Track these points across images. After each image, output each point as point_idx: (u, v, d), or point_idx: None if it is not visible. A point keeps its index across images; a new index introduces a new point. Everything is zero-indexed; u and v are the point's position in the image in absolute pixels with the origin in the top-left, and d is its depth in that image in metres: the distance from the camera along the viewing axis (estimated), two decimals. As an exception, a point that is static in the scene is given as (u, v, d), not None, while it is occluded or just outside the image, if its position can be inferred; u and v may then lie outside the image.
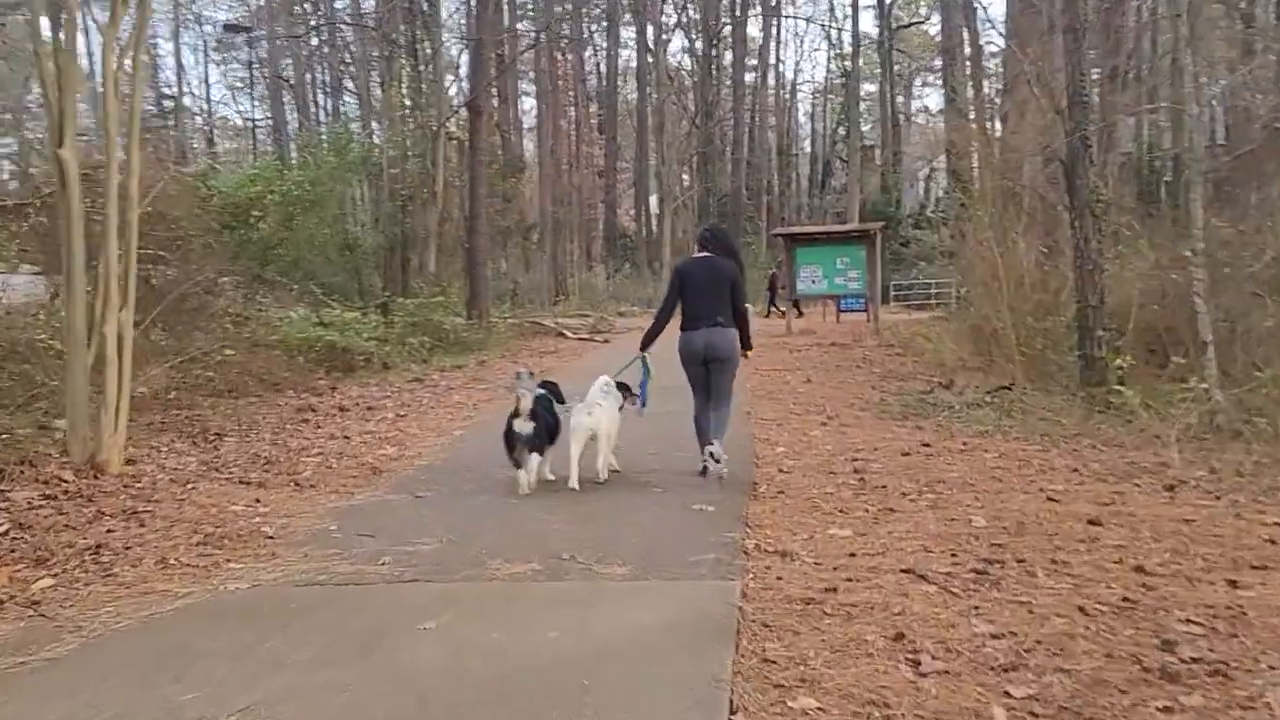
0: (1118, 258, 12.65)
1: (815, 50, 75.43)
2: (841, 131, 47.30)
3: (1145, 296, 11.17)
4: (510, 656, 3.14)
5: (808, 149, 55.21)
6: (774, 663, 3.09)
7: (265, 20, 39.82)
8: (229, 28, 34.18)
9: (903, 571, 4.06)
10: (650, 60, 42.58)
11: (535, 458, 5.87)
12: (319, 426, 8.84)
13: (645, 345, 6.57)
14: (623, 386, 6.50)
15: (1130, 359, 8.57)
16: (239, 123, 51.47)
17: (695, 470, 6.38)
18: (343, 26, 31.63)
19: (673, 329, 6.41)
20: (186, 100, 50.14)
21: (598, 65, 50.35)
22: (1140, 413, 8.09)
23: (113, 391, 5.88)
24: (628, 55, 49.91)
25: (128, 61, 6.63)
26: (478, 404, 10.76)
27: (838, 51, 48.23)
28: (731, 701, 2.81)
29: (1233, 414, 7.67)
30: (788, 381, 12.24)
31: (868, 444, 7.57)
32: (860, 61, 42.53)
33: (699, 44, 46.42)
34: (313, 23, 30.90)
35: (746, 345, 6.47)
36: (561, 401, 6.28)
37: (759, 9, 46.86)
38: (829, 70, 51.77)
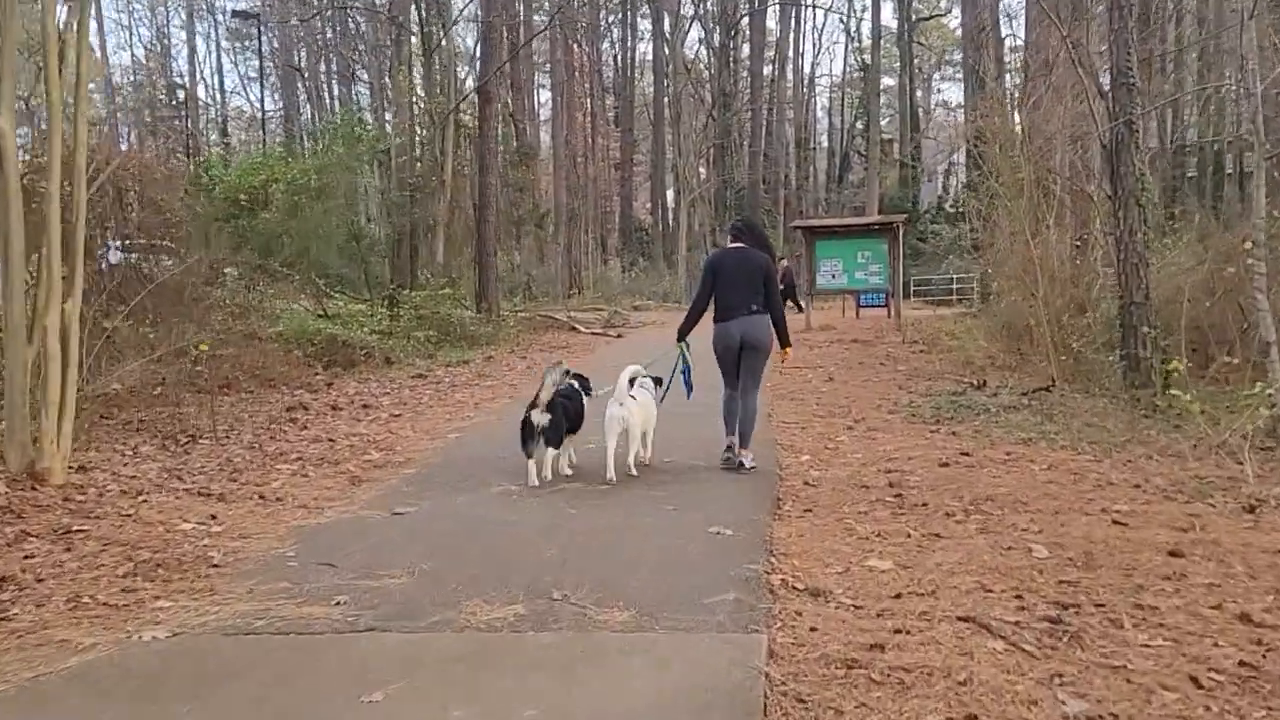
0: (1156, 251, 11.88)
1: (834, 43, 74.51)
2: (860, 125, 46.40)
3: (1190, 292, 10.43)
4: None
5: (825, 143, 54.30)
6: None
7: (276, 8, 39.27)
8: (237, 14, 33.58)
9: (961, 620, 3.36)
10: (667, 51, 41.78)
11: (551, 451, 5.87)
12: (305, 427, 8.20)
13: (682, 335, 6.68)
14: (655, 380, 6.56)
15: (1186, 361, 7.81)
16: (253, 113, 51.08)
17: (717, 467, 6.32)
18: (353, 11, 30.99)
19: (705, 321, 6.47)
20: (200, 91, 49.90)
21: (614, 58, 49.65)
22: (1196, 419, 7.35)
23: (55, 392, 5.23)
24: (644, 49, 49.26)
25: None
26: (479, 403, 10.10)
27: (856, 45, 47.30)
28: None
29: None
30: (809, 380, 11.52)
31: (901, 452, 6.87)
32: (880, 54, 41.60)
33: (716, 35, 45.61)
34: (321, 4, 30.24)
35: (784, 342, 6.47)
36: (589, 394, 6.34)
37: (776, 1, 45.95)
38: (847, 64, 50.88)
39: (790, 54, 48.31)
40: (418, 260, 21.14)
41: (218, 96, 53.35)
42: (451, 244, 23.16)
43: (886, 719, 2.60)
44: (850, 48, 48.98)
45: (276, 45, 43.72)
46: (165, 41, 51.69)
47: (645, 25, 48.76)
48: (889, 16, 46.29)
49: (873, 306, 22.93)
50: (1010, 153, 13.61)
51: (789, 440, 7.49)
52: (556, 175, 42.07)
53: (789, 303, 26.15)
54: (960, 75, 39.27)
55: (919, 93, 50.06)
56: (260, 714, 2.69)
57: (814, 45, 70.65)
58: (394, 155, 23.03)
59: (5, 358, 5.23)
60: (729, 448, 6.34)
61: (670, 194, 46.48)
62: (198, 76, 51.50)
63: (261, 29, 37.73)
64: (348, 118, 24.39)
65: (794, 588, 3.77)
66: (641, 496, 5.49)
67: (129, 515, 4.80)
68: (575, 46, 43.02)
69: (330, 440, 7.52)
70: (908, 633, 3.23)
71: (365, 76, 37.21)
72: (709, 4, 45.08)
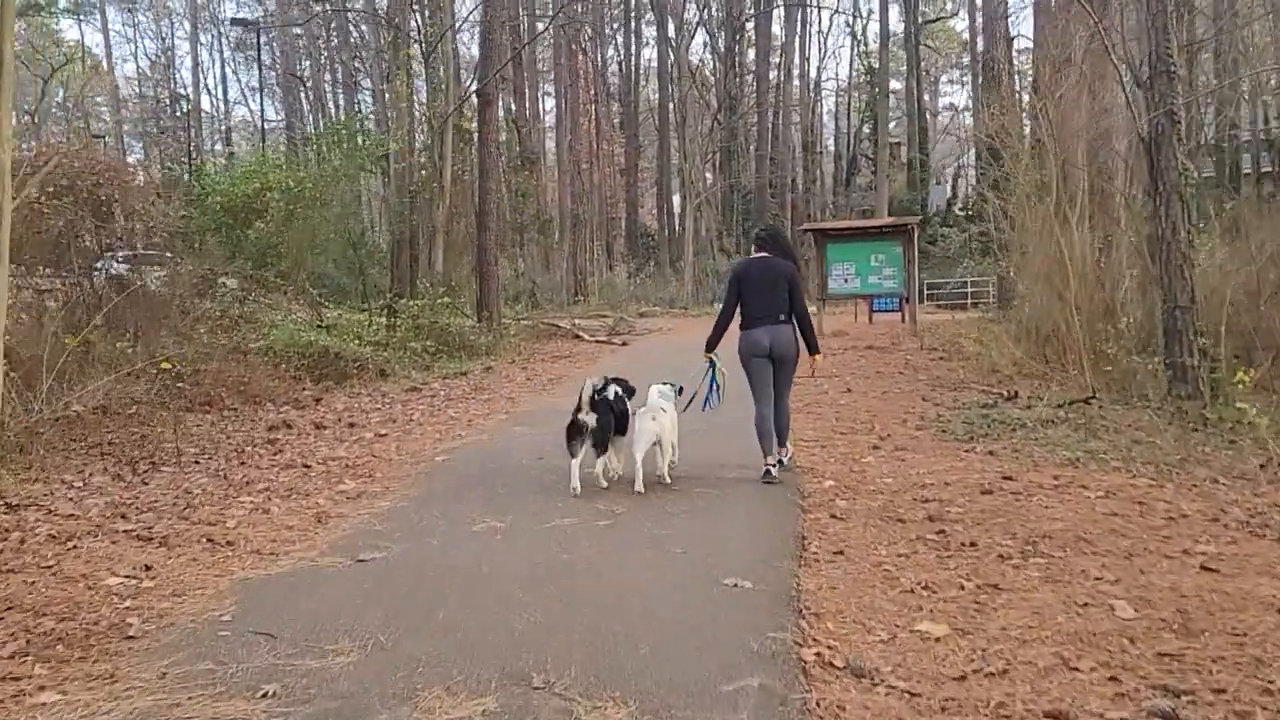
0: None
1: (840, 47, 73.84)
2: (866, 129, 45.68)
3: (1236, 294, 9.70)
4: None
5: (831, 147, 53.59)
6: None
7: (278, 15, 38.87)
8: (236, 21, 33.12)
9: (1050, 717, 2.66)
10: (671, 56, 41.17)
11: (601, 460, 5.84)
12: (280, 451, 7.51)
13: (710, 347, 6.63)
14: (677, 389, 6.47)
15: (1253, 372, 7.09)
16: (256, 123, 50.69)
17: (755, 481, 6.12)
18: (353, 18, 30.46)
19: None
20: (204, 102, 49.55)
21: (619, 64, 49.07)
22: (1260, 434, 6.62)
23: (-30, 422, 4.56)
24: (649, 54, 48.67)
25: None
26: (473, 420, 9.42)
27: (863, 48, 46.57)
28: None
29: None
30: (825, 391, 10.79)
31: (935, 476, 6.16)
32: (887, 58, 40.88)
33: (721, 40, 45.01)
34: (319, 10, 29.74)
35: (813, 348, 6.46)
36: (633, 395, 6.27)
37: (781, 4, 45.29)
38: (852, 68, 50.16)
39: (796, 58, 47.68)
40: (418, 268, 20.48)
41: (222, 107, 53.05)
42: (452, 251, 22.49)
43: None
44: (856, 51, 48.30)
45: (279, 55, 43.36)
46: (169, 53, 51.39)
47: (650, 31, 48.24)
48: (896, 20, 45.62)
49: (886, 311, 22.22)
50: (1034, 148, 12.91)
51: (810, 462, 6.78)
52: (561, 181, 41.57)
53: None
54: (966, 79, 38.59)
55: (926, 96, 49.30)
56: None
57: (819, 49, 69.97)
58: (393, 161, 22.42)
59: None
60: (767, 471, 6.13)
61: (676, 199, 45.92)
62: (202, 87, 51.20)
63: (262, 38, 37.33)
64: (348, 124, 23.81)
65: (831, 665, 3.06)
66: (645, 536, 4.77)
67: (48, 567, 4.11)
68: (580, 53, 42.51)
69: (305, 466, 6.83)
70: (984, 738, 2.53)
71: (368, 84, 36.75)
72: (713, 8, 44.51)
